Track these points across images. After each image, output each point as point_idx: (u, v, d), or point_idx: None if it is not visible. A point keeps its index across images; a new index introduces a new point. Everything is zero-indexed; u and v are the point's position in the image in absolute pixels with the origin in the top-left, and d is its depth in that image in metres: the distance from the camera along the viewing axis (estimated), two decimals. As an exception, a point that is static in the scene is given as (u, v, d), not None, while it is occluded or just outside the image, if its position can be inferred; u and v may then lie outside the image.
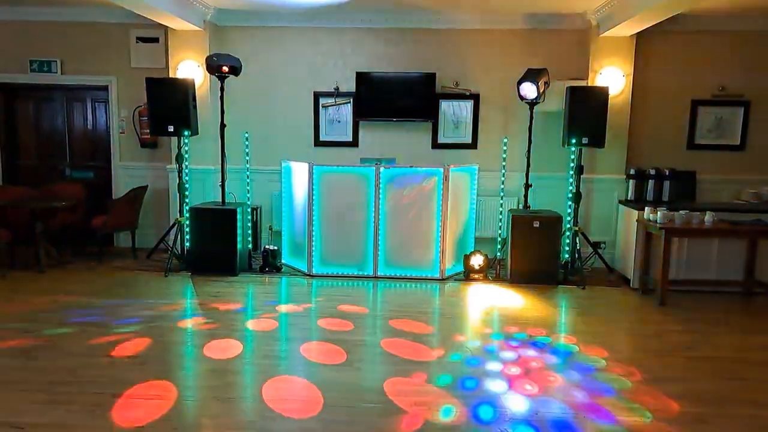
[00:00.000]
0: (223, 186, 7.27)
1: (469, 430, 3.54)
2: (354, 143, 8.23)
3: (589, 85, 7.57)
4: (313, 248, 7.06)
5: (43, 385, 4.03)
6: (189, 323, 5.45)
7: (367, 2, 7.44)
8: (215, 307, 5.87)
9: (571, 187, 7.25)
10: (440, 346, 4.97)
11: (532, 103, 7.17)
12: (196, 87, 7.43)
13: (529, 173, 7.33)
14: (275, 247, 7.36)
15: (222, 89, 7.08)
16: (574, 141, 6.95)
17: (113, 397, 3.85)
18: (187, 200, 7.36)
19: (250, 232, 7.42)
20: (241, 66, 7.13)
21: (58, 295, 6.15)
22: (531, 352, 4.84)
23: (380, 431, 3.50)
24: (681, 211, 6.30)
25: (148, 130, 7.88)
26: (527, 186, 7.34)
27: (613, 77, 7.59)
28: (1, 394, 3.90)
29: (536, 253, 6.91)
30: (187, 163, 7.36)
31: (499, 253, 7.39)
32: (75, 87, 8.44)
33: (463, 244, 7.39)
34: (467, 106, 8.07)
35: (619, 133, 7.69)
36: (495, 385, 4.18)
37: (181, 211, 7.39)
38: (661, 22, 6.91)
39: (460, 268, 7.26)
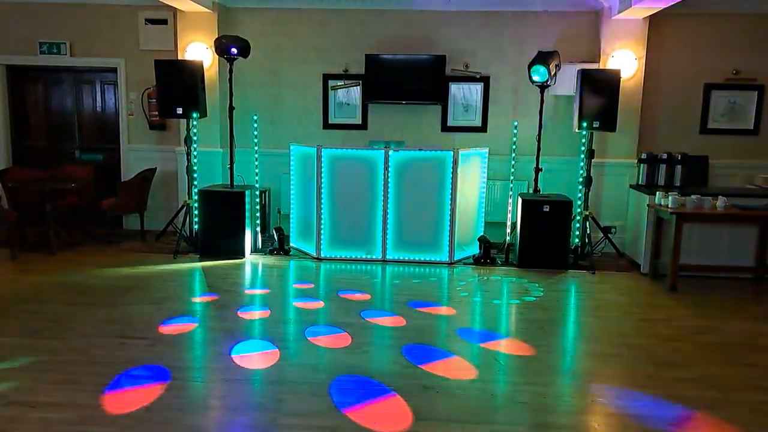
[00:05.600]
0: (231, 168, 7.26)
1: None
2: (363, 126, 8.20)
3: (601, 68, 7.48)
4: (322, 231, 7.06)
5: (54, 365, 4.06)
6: (198, 305, 5.47)
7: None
8: (224, 289, 5.89)
9: (581, 171, 7.19)
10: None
11: (543, 86, 7.11)
12: (205, 69, 7.40)
13: (540, 157, 7.27)
14: (283, 230, 7.37)
15: (230, 71, 7.06)
16: (585, 125, 6.88)
17: (124, 378, 3.87)
18: (195, 182, 7.37)
19: (258, 214, 7.43)
20: (250, 48, 7.10)
21: (67, 276, 6.19)
22: (540, 336, 4.83)
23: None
24: (692, 196, 6.25)
25: (156, 113, 7.88)
26: (537, 170, 7.28)
27: (625, 60, 7.50)
28: (12, 374, 3.92)
29: (546, 238, 6.88)
30: (195, 146, 7.35)
31: (508, 238, 7.36)
32: (84, 69, 8.43)
33: (473, 228, 7.37)
34: (477, 88, 8.01)
35: (631, 116, 7.62)
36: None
37: (189, 194, 7.40)
38: (674, 4, 6.79)
39: (470, 252, 7.24)
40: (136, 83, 8.28)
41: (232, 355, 4.30)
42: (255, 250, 7.33)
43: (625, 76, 7.31)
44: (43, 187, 7.05)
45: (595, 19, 7.70)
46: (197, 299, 5.65)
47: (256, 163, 7.43)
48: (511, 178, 7.36)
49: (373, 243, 7.04)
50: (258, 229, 7.42)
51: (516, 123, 7.37)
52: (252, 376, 4.01)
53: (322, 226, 7.05)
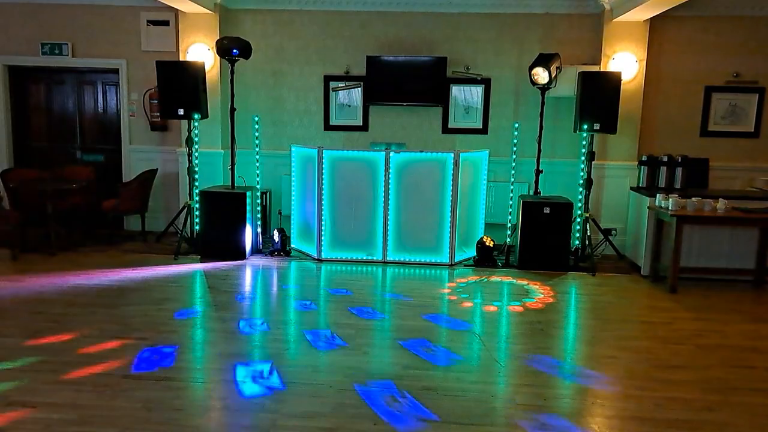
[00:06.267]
0: (232, 170, 7.27)
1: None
2: (364, 127, 8.20)
3: (602, 70, 7.49)
4: (323, 233, 7.06)
5: (54, 365, 4.06)
6: (198, 306, 5.47)
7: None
8: (224, 291, 5.89)
9: (582, 174, 7.20)
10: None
11: (544, 89, 7.11)
12: (206, 70, 7.41)
13: (540, 159, 7.28)
14: (285, 231, 7.37)
15: (232, 72, 7.07)
16: (585, 127, 6.89)
17: (123, 379, 3.88)
18: (196, 183, 7.37)
19: (259, 216, 7.43)
20: (251, 49, 7.11)
21: (68, 277, 6.19)
22: (540, 338, 4.83)
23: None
24: (693, 199, 6.25)
25: (158, 114, 7.89)
26: (538, 172, 7.29)
27: (626, 63, 7.51)
28: (13, 374, 3.93)
29: (546, 240, 6.89)
30: (196, 147, 7.36)
31: (509, 239, 7.36)
32: (86, 70, 8.45)
33: (473, 230, 7.37)
34: (478, 90, 8.02)
35: (632, 119, 7.63)
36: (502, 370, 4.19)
37: (190, 195, 7.40)
38: (675, 6, 6.80)
39: (470, 254, 7.24)
40: (137, 84, 8.30)
41: (234, 356, 4.31)
42: (256, 251, 7.33)
43: (625, 78, 7.32)
44: (45, 187, 7.06)
45: (596, 22, 7.71)
46: (198, 302, 5.66)
47: (257, 164, 7.43)
48: (512, 179, 7.36)
49: (373, 244, 7.04)
50: (259, 230, 7.43)
51: (517, 125, 7.38)
52: (252, 376, 4.02)
53: (322, 228, 7.05)
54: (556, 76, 7.01)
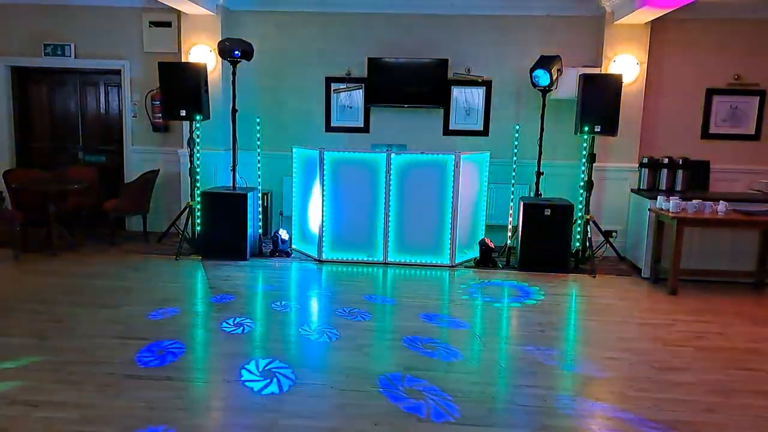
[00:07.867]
0: (234, 170, 7.28)
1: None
2: (365, 129, 8.21)
3: (603, 72, 7.50)
4: (324, 234, 7.07)
5: (56, 365, 4.07)
6: (199, 307, 5.48)
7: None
8: (226, 291, 5.90)
9: (582, 176, 7.21)
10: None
11: (545, 91, 7.12)
12: (208, 72, 7.42)
13: (541, 161, 7.28)
14: (285, 232, 7.39)
15: (234, 74, 7.08)
16: (586, 129, 6.89)
17: (125, 378, 3.89)
18: (198, 184, 7.39)
19: (260, 216, 7.45)
20: (253, 51, 7.13)
21: (70, 277, 6.21)
22: (540, 340, 4.84)
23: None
24: (694, 201, 6.26)
25: (160, 115, 7.91)
26: (539, 174, 7.30)
27: (627, 65, 7.52)
28: (15, 374, 3.94)
29: (547, 241, 6.90)
30: (198, 148, 7.37)
31: (509, 241, 7.37)
32: (88, 71, 8.46)
33: (474, 231, 7.39)
34: (479, 92, 8.03)
35: (632, 121, 7.63)
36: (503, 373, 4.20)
37: (192, 195, 7.41)
38: (676, 9, 6.81)
39: (471, 255, 7.25)
40: (139, 85, 8.31)
41: (233, 355, 4.32)
42: (257, 252, 7.34)
43: (626, 80, 7.33)
44: (47, 188, 7.07)
45: (597, 24, 7.72)
46: (199, 302, 5.68)
47: (259, 165, 7.45)
48: (513, 181, 7.37)
49: (374, 245, 7.05)
50: (260, 231, 7.44)
51: (517, 127, 7.39)
52: (253, 376, 4.03)
53: (323, 229, 7.06)
54: (557, 78, 7.03)
